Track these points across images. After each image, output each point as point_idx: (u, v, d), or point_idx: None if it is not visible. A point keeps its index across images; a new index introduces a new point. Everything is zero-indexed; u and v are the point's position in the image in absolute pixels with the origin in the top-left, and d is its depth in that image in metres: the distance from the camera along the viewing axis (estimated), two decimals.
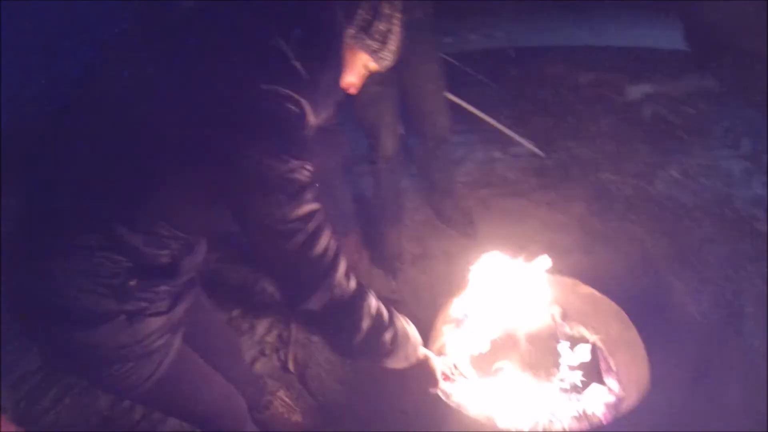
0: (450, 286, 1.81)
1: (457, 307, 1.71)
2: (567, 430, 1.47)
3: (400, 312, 1.33)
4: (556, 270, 1.74)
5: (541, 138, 3.59)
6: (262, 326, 2.49)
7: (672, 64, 4.22)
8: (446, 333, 1.66)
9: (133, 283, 1.08)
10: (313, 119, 1.10)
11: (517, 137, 3.53)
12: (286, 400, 2.08)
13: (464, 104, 3.34)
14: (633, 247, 2.51)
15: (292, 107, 1.02)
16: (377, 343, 1.20)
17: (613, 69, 4.18)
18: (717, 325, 2.12)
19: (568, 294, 1.77)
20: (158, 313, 1.15)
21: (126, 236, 1.05)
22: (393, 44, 1.26)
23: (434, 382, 1.38)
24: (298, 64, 1.05)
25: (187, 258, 1.17)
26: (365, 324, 1.16)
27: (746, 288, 2.25)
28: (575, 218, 2.78)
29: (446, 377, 1.42)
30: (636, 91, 3.77)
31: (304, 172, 1.03)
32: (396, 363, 1.28)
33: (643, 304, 2.13)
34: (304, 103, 1.05)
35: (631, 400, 1.46)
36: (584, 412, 1.50)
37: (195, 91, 1.03)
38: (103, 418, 2.13)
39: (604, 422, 1.47)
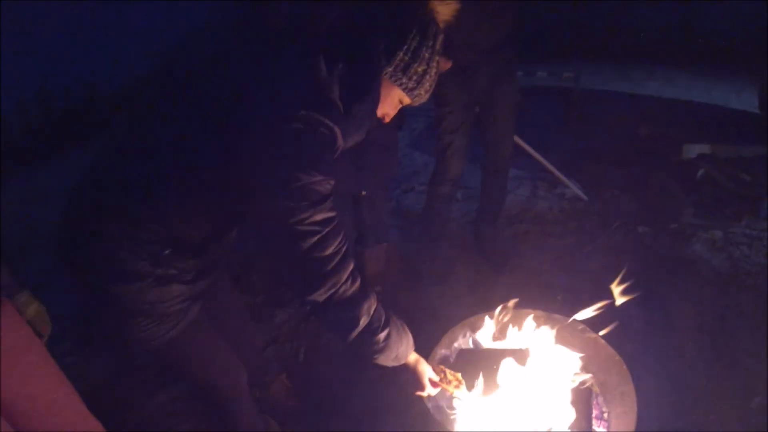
0: (466, 311, 1.89)
1: (467, 327, 1.81)
2: None
3: (413, 325, 1.45)
4: (566, 313, 1.82)
5: (588, 182, 3.62)
6: (282, 316, 2.66)
7: (738, 126, 4.14)
8: (446, 344, 1.75)
9: (167, 252, 1.25)
10: (343, 143, 1.22)
11: (563, 178, 3.58)
12: (288, 384, 2.20)
13: (517, 140, 3.39)
14: (653, 304, 2.50)
15: (325, 131, 1.15)
16: (370, 340, 1.33)
17: (674, 124, 4.15)
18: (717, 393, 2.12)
19: (574, 336, 1.81)
20: (183, 282, 1.32)
21: (169, 214, 1.23)
22: (428, 84, 1.35)
23: (421, 386, 1.49)
24: (336, 97, 1.17)
25: (217, 241, 1.34)
26: (362, 321, 1.29)
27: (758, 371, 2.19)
28: (602, 267, 2.78)
29: (434, 383, 1.51)
30: (692, 149, 3.71)
31: (326, 185, 1.18)
32: (386, 361, 1.40)
33: (647, 361, 2.17)
34: (337, 129, 1.17)
35: None
36: None
37: (243, 104, 1.16)
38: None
39: None
